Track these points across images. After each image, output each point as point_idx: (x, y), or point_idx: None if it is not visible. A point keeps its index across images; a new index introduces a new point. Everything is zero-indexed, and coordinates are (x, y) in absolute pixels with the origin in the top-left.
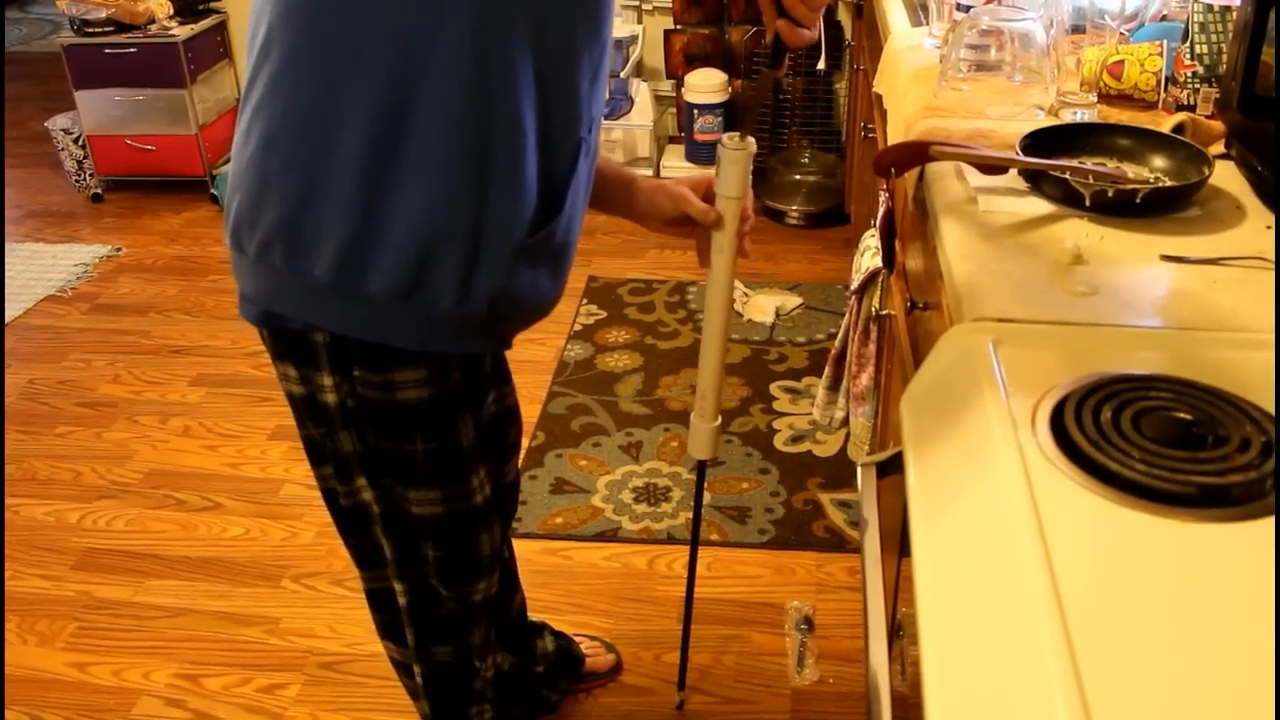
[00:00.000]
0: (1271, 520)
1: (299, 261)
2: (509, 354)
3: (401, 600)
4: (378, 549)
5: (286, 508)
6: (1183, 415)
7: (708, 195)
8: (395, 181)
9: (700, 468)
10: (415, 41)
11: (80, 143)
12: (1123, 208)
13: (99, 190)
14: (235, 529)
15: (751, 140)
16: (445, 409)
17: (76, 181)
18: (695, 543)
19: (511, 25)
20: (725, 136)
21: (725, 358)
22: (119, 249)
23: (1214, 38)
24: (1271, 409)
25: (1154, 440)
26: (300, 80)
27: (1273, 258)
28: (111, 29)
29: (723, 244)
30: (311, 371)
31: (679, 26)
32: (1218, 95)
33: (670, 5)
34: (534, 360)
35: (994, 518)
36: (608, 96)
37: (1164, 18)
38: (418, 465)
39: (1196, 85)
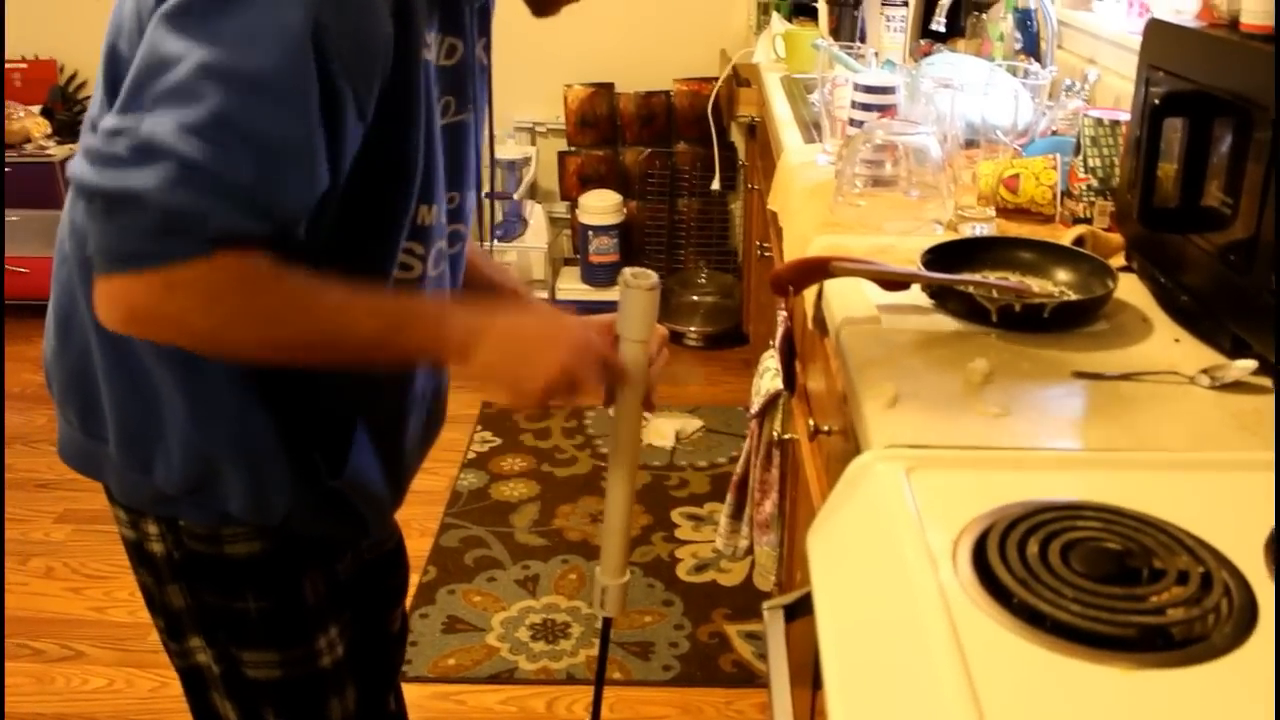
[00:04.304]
0: (1214, 664)
1: (94, 428)
2: None
3: None
4: (221, 717)
5: (156, 654)
6: (1113, 546)
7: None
8: (148, 375)
9: (605, 625)
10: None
11: None
12: (1030, 322)
13: None
14: (98, 680)
15: (654, 275)
16: (281, 564)
17: None
18: (598, 708)
19: None
20: (628, 271)
21: (632, 511)
22: None
23: (1106, 151)
24: (1204, 535)
25: (1086, 576)
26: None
27: (1185, 372)
28: None
29: (626, 395)
30: (138, 517)
31: (573, 148)
32: (1113, 209)
33: (564, 127)
34: (425, 491)
35: (918, 671)
36: (500, 219)
37: (1054, 132)
38: (250, 624)
39: (1092, 198)
